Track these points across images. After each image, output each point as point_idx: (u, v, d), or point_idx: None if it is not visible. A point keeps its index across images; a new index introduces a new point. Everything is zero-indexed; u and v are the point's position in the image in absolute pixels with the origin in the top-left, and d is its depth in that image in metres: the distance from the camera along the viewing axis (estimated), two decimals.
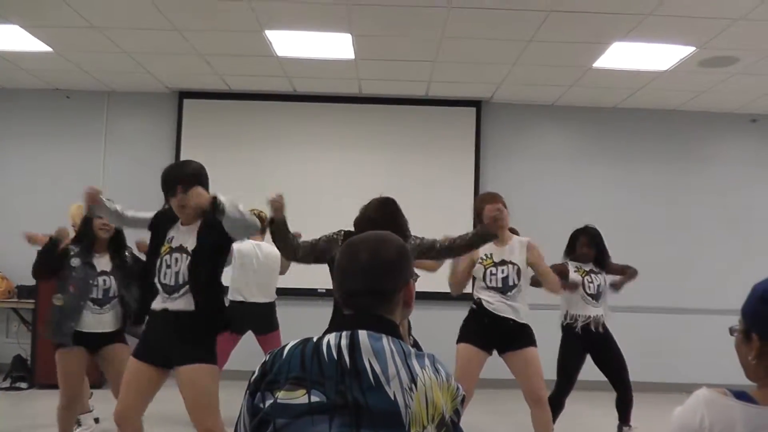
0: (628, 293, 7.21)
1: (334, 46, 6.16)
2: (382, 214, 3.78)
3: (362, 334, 1.59)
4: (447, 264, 4.82)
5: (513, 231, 4.78)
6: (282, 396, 1.55)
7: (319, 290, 7.25)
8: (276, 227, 3.89)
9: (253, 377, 1.65)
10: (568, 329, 5.32)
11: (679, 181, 7.95)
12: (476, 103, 7.88)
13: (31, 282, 7.04)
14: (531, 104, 7.90)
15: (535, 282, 4.82)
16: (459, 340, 4.65)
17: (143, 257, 4.22)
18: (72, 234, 4.57)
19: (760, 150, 8.00)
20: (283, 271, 5.90)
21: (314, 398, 1.53)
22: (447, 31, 5.69)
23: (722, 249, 7.79)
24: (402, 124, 7.87)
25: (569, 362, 5.27)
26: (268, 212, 4.03)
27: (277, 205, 3.86)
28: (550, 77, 6.93)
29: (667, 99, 7.56)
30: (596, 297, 5.28)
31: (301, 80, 7.35)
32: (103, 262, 4.44)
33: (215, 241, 3.61)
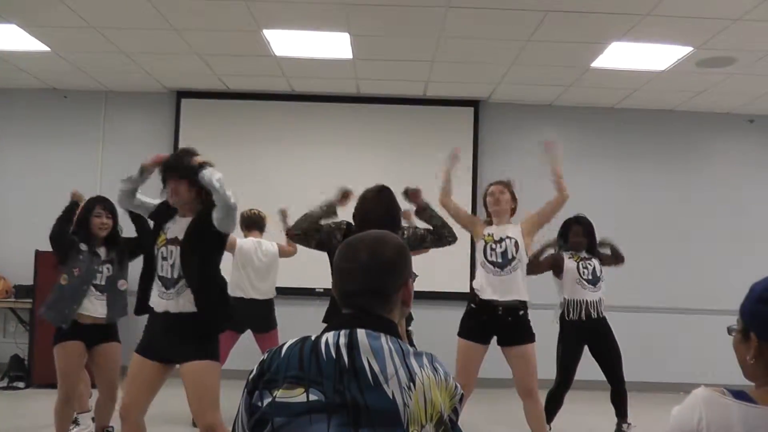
0: (626, 292, 7.25)
1: (332, 45, 6.16)
2: (378, 199, 4.06)
3: (361, 333, 1.59)
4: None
5: None
6: (280, 395, 1.55)
7: (317, 290, 7.24)
8: (294, 239, 4.33)
9: (251, 376, 1.64)
10: (565, 323, 5.35)
11: (676, 181, 7.95)
12: (474, 103, 7.88)
13: (29, 282, 7.05)
14: (529, 104, 7.91)
15: (531, 268, 5.01)
16: (459, 334, 4.76)
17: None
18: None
19: (757, 150, 8.01)
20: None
21: (312, 397, 1.53)
22: (445, 31, 5.70)
23: (720, 248, 7.80)
24: (400, 124, 7.87)
25: (568, 357, 5.29)
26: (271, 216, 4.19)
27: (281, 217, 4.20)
28: (548, 77, 6.93)
29: (665, 99, 7.57)
30: (592, 282, 5.35)
31: (299, 80, 7.35)
32: (102, 252, 4.55)
33: (202, 231, 3.58)
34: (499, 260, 4.67)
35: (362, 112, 7.89)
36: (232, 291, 5.59)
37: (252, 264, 5.73)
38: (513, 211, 4.95)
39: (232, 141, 7.80)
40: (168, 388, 3.67)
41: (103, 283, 4.48)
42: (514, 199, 4.93)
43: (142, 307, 3.75)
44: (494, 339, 4.69)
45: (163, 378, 3.65)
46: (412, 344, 4.03)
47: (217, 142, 7.76)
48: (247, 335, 5.79)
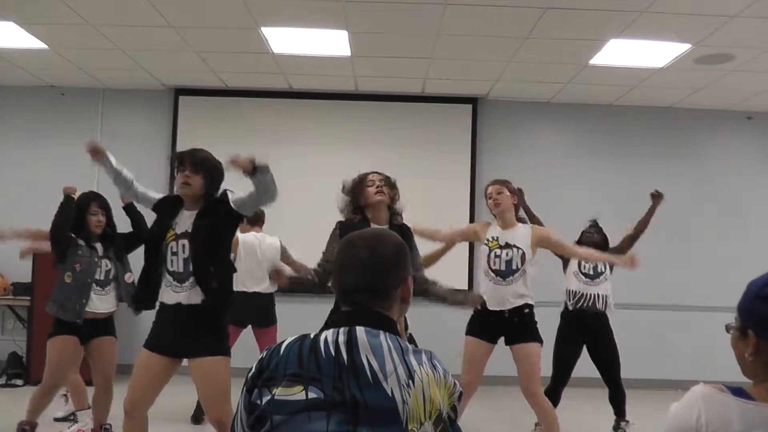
0: (624, 289, 7.24)
1: (331, 43, 6.16)
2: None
3: (360, 331, 1.59)
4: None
5: (520, 220, 4.81)
6: (279, 392, 1.55)
7: None
8: (292, 288, 4.20)
9: (250, 374, 1.64)
10: (565, 315, 5.39)
11: (675, 178, 7.95)
12: (472, 100, 7.88)
13: (27, 279, 7.04)
14: (527, 101, 7.91)
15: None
16: (466, 332, 4.73)
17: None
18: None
19: (755, 147, 8.02)
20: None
21: (312, 395, 1.53)
22: (443, 28, 5.69)
23: (718, 246, 7.81)
24: (398, 121, 7.86)
25: (565, 351, 5.31)
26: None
27: (279, 281, 4.13)
28: (546, 74, 6.93)
29: (663, 96, 7.57)
30: (592, 276, 5.34)
31: (298, 77, 7.34)
32: (99, 248, 4.60)
33: (211, 224, 3.60)
34: (503, 269, 4.53)
35: (360, 109, 7.88)
36: (235, 285, 5.61)
37: (255, 257, 5.76)
38: (517, 207, 4.75)
39: (230, 138, 7.78)
40: (167, 386, 3.68)
41: (101, 278, 4.53)
42: (514, 194, 4.68)
43: (141, 305, 3.76)
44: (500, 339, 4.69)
45: (171, 373, 3.64)
46: (413, 343, 4.05)
47: (215, 139, 7.72)
48: (247, 333, 5.79)
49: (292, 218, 7.58)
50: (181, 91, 7.85)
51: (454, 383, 1.65)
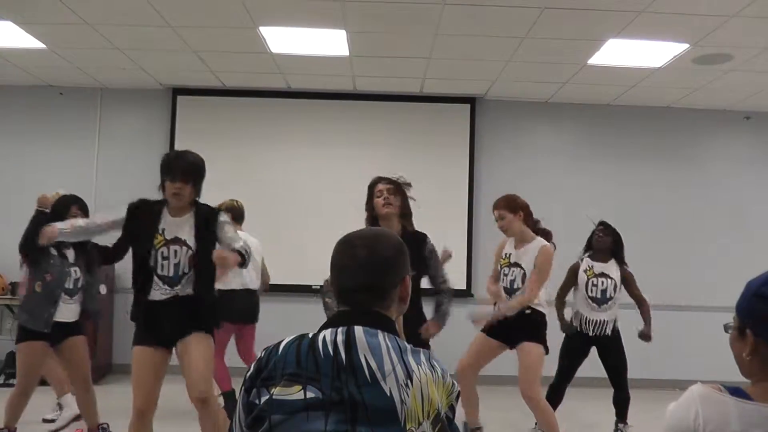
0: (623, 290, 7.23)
1: (329, 42, 6.15)
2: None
3: (358, 330, 1.59)
4: None
5: (545, 232, 4.82)
6: (278, 392, 1.55)
7: (314, 287, 7.24)
8: None
9: (249, 373, 1.64)
10: (575, 332, 5.37)
11: (672, 178, 7.96)
12: (471, 100, 7.88)
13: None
14: (525, 101, 7.91)
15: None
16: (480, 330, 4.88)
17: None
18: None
19: (753, 147, 8.02)
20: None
21: (310, 394, 1.53)
22: (441, 28, 5.69)
23: (716, 246, 7.81)
24: (397, 121, 7.86)
25: (572, 348, 5.32)
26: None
27: None
28: (544, 74, 6.93)
29: (661, 96, 7.57)
30: (599, 301, 5.24)
31: (296, 77, 7.34)
32: (70, 254, 4.59)
33: (211, 234, 3.76)
34: (507, 286, 4.72)
35: (359, 109, 7.88)
36: (226, 284, 5.62)
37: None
38: (527, 217, 4.70)
39: (228, 138, 7.80)
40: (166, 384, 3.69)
41: (71, 286, 4.54)
42: (516, 211, 4.65)
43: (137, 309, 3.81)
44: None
45: (166, 364, 3.75)
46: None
47: (213, 139, 7.75)
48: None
49: (290, 217, 7.58)
50: (179, 91, 7.84)
51: (453, 383, 1.65)
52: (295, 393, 1.54)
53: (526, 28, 5.61)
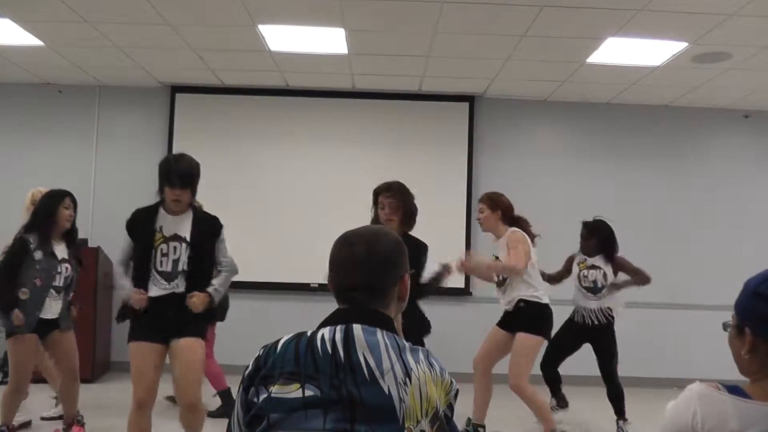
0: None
1: (327, 40, 6.15)
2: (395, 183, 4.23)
3: (357, 328, 1.59)
4: None
5: (523, 221, 4.96)
6: (276, 390, 1.55)
7: (311, 285, 7.24)
8: None
9: (247, 372, 1.64)
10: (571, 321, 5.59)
11: (671, 177, 7.96)
12: (469, 98, 7.87)
13: None
14: (524, 99, 7.90)
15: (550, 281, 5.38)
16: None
17: None
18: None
19: (752, 146, 8.02)
20: None
21: (308, 392, 1.53)
22: (440, 26, 5.69)
23: (715, 244, 7.81)
24: (395, 120, 7.86)
25: (563, 336, 5.50)
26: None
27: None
28: (543, 72, 6.93)
29: (660, 95, 7.57)
30: (592, 290, 5.41)
31: (294, 75, 7.33)
32: (60, 249, 4.59)
33: (210, 236, 3.93)
34: (497, 279, 4.97)
35: (357, 107, 7.87)
36: None
37: None
38: (505, 217, 4.92)
39: (227, 135, 7.79)
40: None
41: (60, 284, 4.56)
42: (495, 209, 4.90)
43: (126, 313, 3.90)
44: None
45: (164, 357, 3.85)
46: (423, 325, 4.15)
47: (212, 136, 7.75)
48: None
49: (288, 215, 7.58)
50: (177, 89, 7.83)
51: (451, 381, 1.65)
52: (294, 391, 1.53)
53: (524, 26, 5.61)
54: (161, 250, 3.79)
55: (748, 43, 5.79)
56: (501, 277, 4.89)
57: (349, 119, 7.87)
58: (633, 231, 7.68)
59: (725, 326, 1.63)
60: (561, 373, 5.66)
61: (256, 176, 7.71)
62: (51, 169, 7.53)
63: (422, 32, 5.87)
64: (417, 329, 3.99)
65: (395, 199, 4.17)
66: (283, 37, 6.11)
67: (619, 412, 5.40)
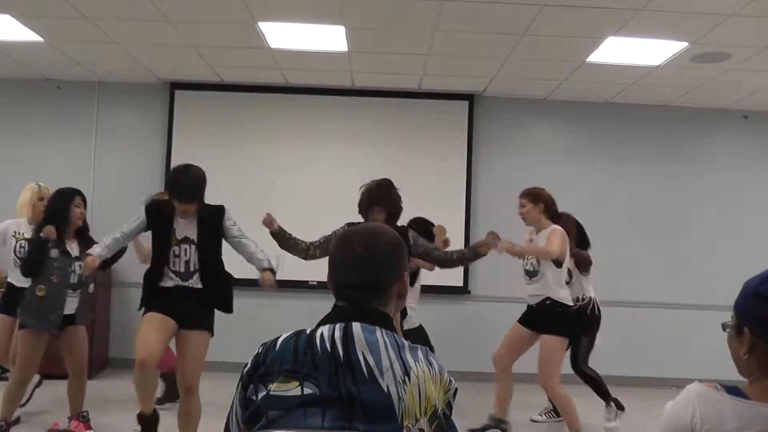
0: (619, 287, 7.27)
1: (327, 38, 6.14)
2: (378, 185, 4.40)
3: (356, 327, 1.59)
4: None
5: (563, 216, 5.22)
6: (275, 388, 1.55)
7: (310, 282, 7.24)
8: (275, 238, 4.55)
9: (246, 369, 1.64)
10: None
11: (671, 177, 7.96)
12: (469, 97, 7.87)
13: None
14: (524, 98, 7.90)
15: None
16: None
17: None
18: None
19: (751, 146, 8.02)
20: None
21: (307, 390, 1.53)
22: (440, 25, 5.68)
23: (714, 244, 7.81)
24: (394, 118, 7.85)
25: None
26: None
27: (266, 222, 4.51)
28: (543, 71, 6.92)
29: (660, 94, 7.57)
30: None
31: (294, 72, 7.32)
32: (74, 248, 4.68)
33: (214, 231, 4.23)
34: (528, 269, 5.03)
35: (357, 105, 7.87)
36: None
37: None
38: (548, 210, 5.09)
39: (226, 133, 7.78)
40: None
41: (75, 281, 4.65)
42: (536, 202, 5.07)
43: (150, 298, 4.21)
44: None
45: (172, 334, 4.13)
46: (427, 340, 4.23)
47: (211, 133, 7.74)
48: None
49: (285, 213, 7.56)
50: (177, 86, 7.82)
51: (450, 380, 1.65)
52: (293, 389, 1.54)
53: (525, 25, 5.61)
54: (174, 251, 4.13)
55: (747, 43, 5.79)
56: (533, 268, 4.95)
57: (348, 117, 7.87)
58: (632, 230, 7.71)
59: (724, 326, 1.63)
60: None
61: (255, 173, 7.70)
62: (50, 165, 7.51)
63: (422, 30, 5.86)
64: None
65: (387, 209, 4.40)
66: (283, 34, 6.10)
67: (603, 395, 5.51)
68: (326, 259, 1.75)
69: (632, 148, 7.97)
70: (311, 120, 7.82)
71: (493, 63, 6.71)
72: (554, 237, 4.85)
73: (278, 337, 1.65)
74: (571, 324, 5.00)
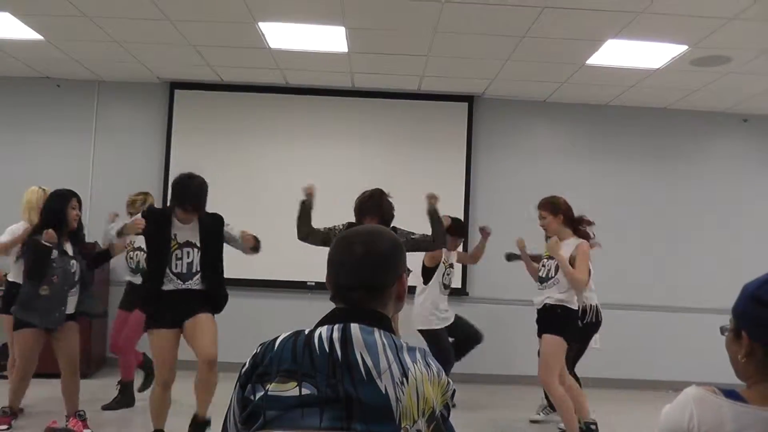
0: (617, 290, 7.25)
1: (328, 38, 6.14)
2: (370, 196, 4.49)
3: (354, 328, 1.59)
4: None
5: (585, 233, 5.07)
6: (273, 388, 1.55)
7: (308, 283, 7.23)
8: (302, 205, 4.69)
9: (244, 369, 1.64)
10: None
11: (670, 180, 7.96)
12: (469, 98, 7.87)
13: None
14: (523, 100, 7.90)
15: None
16: None
17: None
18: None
19: (750, 149, 8.03)
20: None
21: (305, 391, 1.53)
22: (440, 26, 5.69)
23: (713, 247, 7.81)
24: (394, 118, 7.85)
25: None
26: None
27: (309, 190, 4.71)
28: (542, 73, 6.93)
29: (659, 97, 7.57)
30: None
31: (294, 73, 7.33)
32: (69, 248, 4.77)
33: (216, 233, 4.46)
34: (543, 275, 5.04)
35: (357, 105, 7.86)
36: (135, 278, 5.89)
37: None
38: (566, 218, 5.06)
39: (225, 132, 7.78)
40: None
41: (77, 279, 4.76)
42: (556, 213, 5.05)
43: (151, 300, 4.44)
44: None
45: (179, 341, 4.39)
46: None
47: (210, 133, 7.74)
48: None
49: (286, 212, 7.55)
50: (176, 85, 7.82)
51: (448, 381, 1.65)
52: (291, 389, 1.53)
53: (525, 27, 5.61)
54: (176, 255, 4.32)
55: (747, 47, 5.80)
56: (547, 275, 4.96)
57: (348, 118, 7.87)
58: (631, 233, 7.71)
59: (722, 330, 1.63)
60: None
61: (254, 173, 7.70)
62: (49, 163, 7.52)
63: (422, 32, 5.87)
64: None
65: (378, 217, 4.47)
66: (283, 35, 6.10)
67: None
68: (324, 259, 1.75)
69: (631, 151, 7.97)
70: (311, 120, 7.82)
71: (493, 65, 6.71)
72: (583, 259, 4.84)
73: (276, 337, 1.65)
74: (572, 327, 4.99)
